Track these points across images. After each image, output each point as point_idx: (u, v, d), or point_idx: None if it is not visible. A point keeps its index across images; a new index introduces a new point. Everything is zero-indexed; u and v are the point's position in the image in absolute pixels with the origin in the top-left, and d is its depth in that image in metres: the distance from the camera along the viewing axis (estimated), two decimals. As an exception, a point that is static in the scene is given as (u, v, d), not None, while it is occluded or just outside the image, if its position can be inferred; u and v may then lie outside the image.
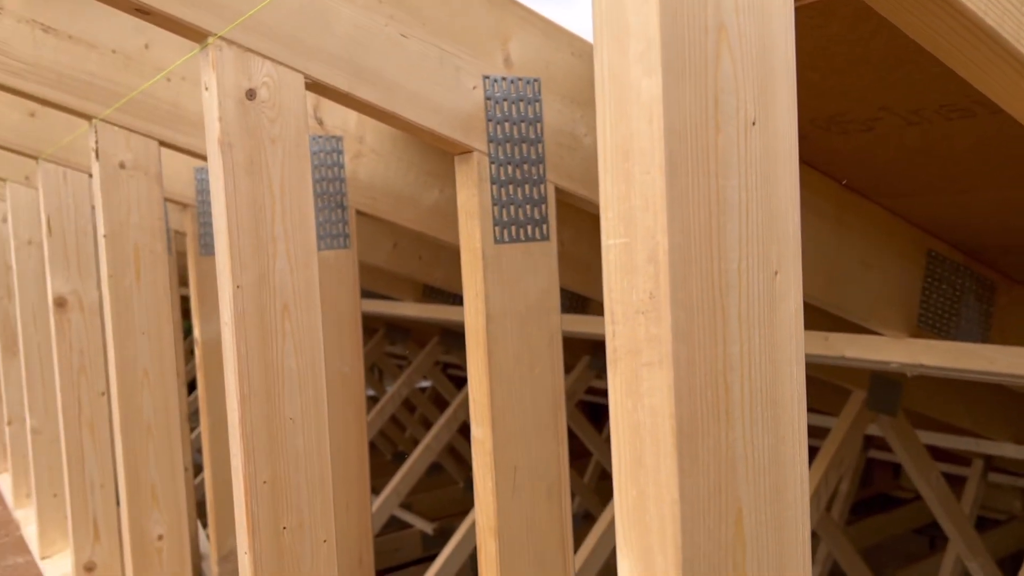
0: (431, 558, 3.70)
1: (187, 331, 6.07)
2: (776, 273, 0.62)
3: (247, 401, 1.24)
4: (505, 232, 1.44)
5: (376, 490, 4.19)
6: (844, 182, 1.55)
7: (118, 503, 2.34)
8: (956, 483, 3.70)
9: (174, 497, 1.88)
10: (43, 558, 2.92)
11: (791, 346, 0.63)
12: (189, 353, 5.99)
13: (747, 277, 0.60)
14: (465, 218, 1.44)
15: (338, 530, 1.58)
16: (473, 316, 1.47)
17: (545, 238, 1.49)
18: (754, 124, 0.60)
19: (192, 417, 5.07)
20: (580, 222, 2.33)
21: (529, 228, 1.47)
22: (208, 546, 3.03)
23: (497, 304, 1.44)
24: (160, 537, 1.87)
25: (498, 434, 1.46)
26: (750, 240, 0.60)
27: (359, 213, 2.06)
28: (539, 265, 1.49)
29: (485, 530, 1.48)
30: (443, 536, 4.68)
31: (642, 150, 0.57)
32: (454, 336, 4.94)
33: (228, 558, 2.75)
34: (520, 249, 1.46)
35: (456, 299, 3.55)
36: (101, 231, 1.79)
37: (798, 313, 0.64)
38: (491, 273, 1.43)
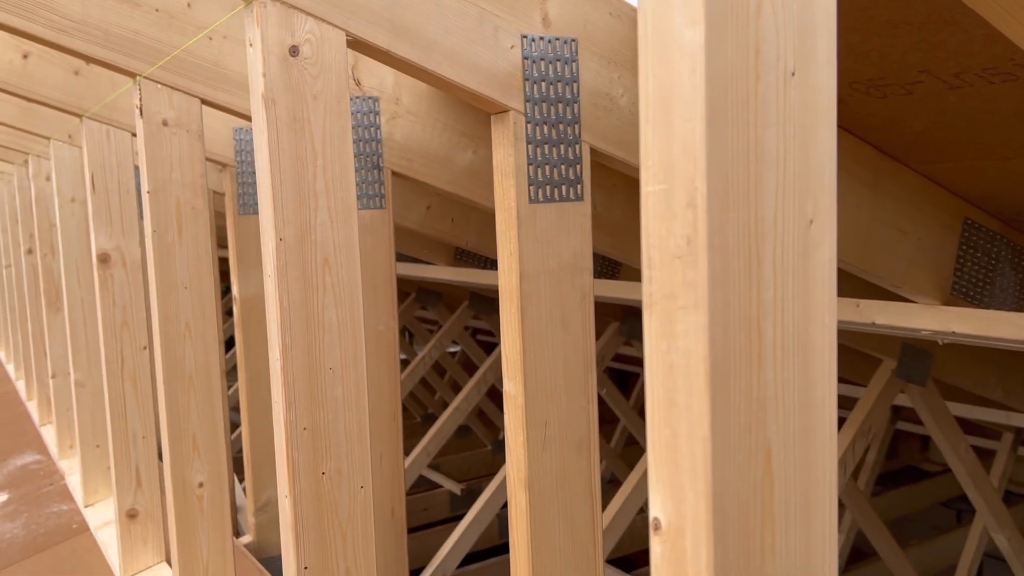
0: (459, 518, 3.78)
1: (224, 291, 6.17)
2: (811, 222, 0.63)
3: (288, 351, 1.28)
4: (540, 192, 1.46)
5: (406, 451, 4.27)
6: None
7: (159, 455, 2.42)
8: (986, 456, 3.69)
9: (214, 447, 1.94)
10: (87, 506, 3.03)
11: (824, 294, 0.65)
12: (226, 313, 6.10)
13: (782, 225, 0.62)
14: (500, 177, 1.46)
15: (371, 483, 1.62)
16: (507, 274, 1.50)
17: (579, 198, 1.51)
18: (793, 75, 0.61)
19: (228, 375, 5.19)
20: (613, 185, 2.33)
21: (564, 188, 1.48)
22: (244, 498, 3.12)
23: (531, 263, 1.47)
24: (201, 485, 1.94)
25: (530, 389, 1.49)
26: (786, 189, 0.62)
27: (394, 174, 2.09)
28: (572, 225, 1.50)
29: (516, 483, 1.52)
30: (471, 496, 4.77)
31: (683, 99, 0.59)
32: (483, 301, 4.98)
33: (264, 509, 2.83)
34: (554, 209, 1.48)
35: (486, 263, 3.57)
36: (145, 187, 1.83)
37: (832, 262, 0.65)
38: (525, 232, 1.46)
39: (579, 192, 1.50)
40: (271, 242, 1.25)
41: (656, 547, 0.64)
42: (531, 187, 1.45)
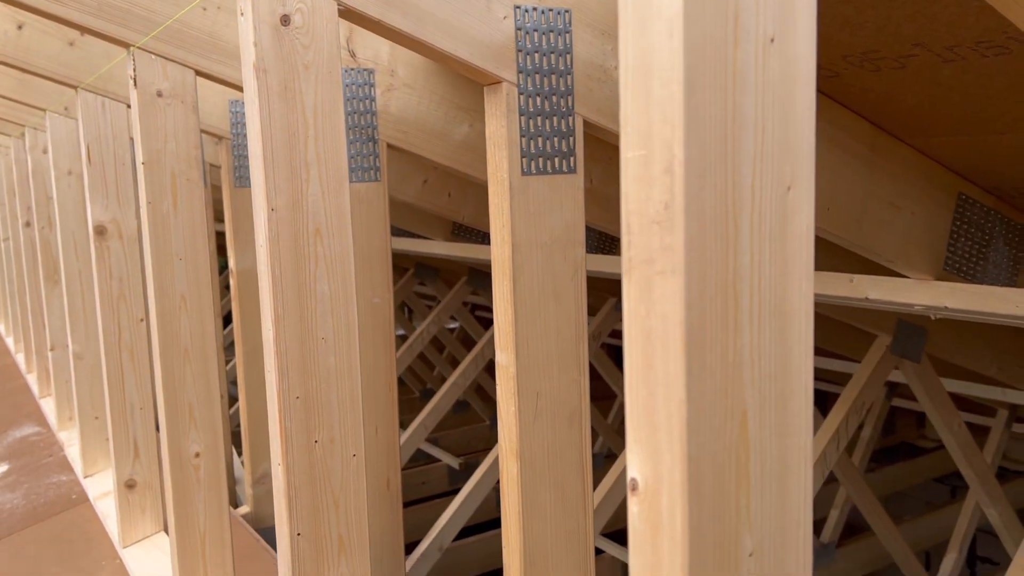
0: (458, 491, 3.81)
1: (221, 267, 6.18)
2: (789, 189, 0.64)
3: (281, 321, 1.29)
4: (532, 164, 1.46)
5: (404, 426, 4.31)
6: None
7: (157, 427, 2.44)
8: (980, 433, 3.71)
9: (210, 417, 1.96)
10: (86, 476, 3.05)
11: (801, 261, 0.65)
12: (224, 288, 6.12)
13: (760, 192, 0.63)
14: (493, 149, 1.46)
15: (367, 454, 1.64)
16: (499, 246, 1.50)
17: (572, 171, 1.51)
18: (773, 42, 0.62)
19: (227, 350, 5.21)
20: (609, 159, 2.33)
21: (556, 160, 1.49)
22: (243, 470, 3.15)
23: (523, 235, 1.47)
24: (197, 455, 1.96)
25: (521, 361, 1.50)
26: (764, 156, 0.62)
27: (390, 147, 2.09)
28: (565, 198, 1.51)
29: (507, 453, 1.53)
30: (469, 470, 4.81)
31: (662, 65, 0.59)
32: (482, 276, 4.99)
33: (261, 480, 2.86)
34: (547, 181, 1.48)
35: (484, 238, 3.58)
36: (139, 159, 1.84)
37: (809, 230, 0.66)
38: (517, 204, 1.46)
39: (572, 164, 1.50)
40: (263, 212, 1.25)
41: (633, 507, 0.65)
42: (523, 159, 1.45)
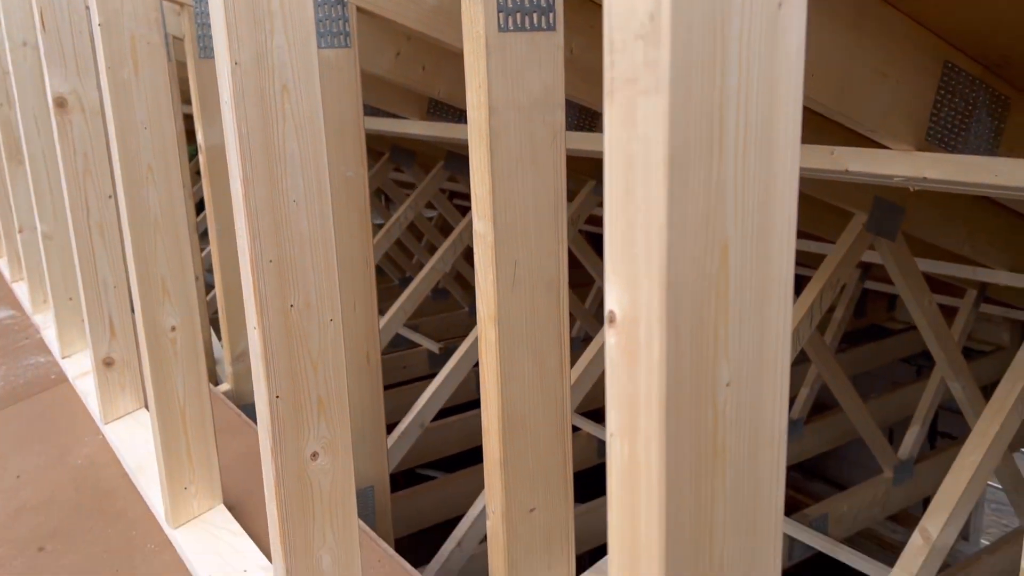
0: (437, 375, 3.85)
1: (192, 154, 6.02)
2: (780, 5, 0.60)
3: (250, 183, 1.25)
4: (510, 20, 1.40)
5: (383, 313, 4.31)
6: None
7: (132, 308, 2.42)
8: (948, 313, 3.79)
9: (184, 290, 1.93)
10: (64, 357, 3.05)
11: (790, 83, 0.62)
12: (196, 174, 5.98)
13: (750, 6, 0.59)
14: (468, 3, 1.39)
15: (346, 328, 1.63)
16: (476, 109, 1.45)
17: (551, 28, 1.45)
18: None
19: (203, 238, 5.14)
20: (591, 26, 2.25)
21: (535, 16, 1.42)
22: (222, 351, 3.15)
23: (500, 96, 1.42)
24: (173, 328, 1.94)
25: (499, 228, 1.48)
26: (756, -34, 0.59)
27: (360, 11, 1.99)
28: (544, 57, 1.45)
29: (486, 319, 1.53)
30: (449, 355, 4.86)
31: None
32: (459, 160, 4.91)
33: (240, 358, 2.87)
34: (525, 39, 1.42)
35: (460, 116, 3.49)
36: (95, 20, 1.74)
37: (799, 51, 0.63)
38: (495, 63, 1.40)
39: (551, 21, 1.44)
40: (226, 66, 1.19)
41: (611, 339, 0.64)
42: (500, 14, 1.38)
